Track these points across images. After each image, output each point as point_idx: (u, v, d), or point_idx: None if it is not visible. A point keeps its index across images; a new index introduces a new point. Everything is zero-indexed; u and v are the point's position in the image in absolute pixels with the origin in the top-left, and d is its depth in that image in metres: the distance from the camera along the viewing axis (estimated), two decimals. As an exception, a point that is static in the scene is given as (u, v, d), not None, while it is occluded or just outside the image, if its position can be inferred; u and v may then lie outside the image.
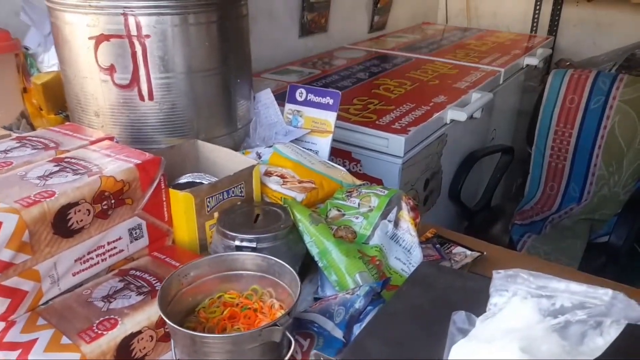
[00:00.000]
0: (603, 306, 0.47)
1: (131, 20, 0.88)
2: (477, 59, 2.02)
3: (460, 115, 1.52)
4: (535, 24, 2.63)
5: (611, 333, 0.48)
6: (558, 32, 2.59)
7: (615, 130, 1.79)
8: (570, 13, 2.55)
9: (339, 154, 1.46)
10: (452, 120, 1.55)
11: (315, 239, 0.77)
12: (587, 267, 1.64)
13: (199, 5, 0.92)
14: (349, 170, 1.46)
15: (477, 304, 0.55)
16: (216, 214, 0.81)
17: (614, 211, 1.74)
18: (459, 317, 0.54)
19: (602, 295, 0.48)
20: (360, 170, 1.45)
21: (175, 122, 0.96)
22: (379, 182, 1.42)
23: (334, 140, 1.42)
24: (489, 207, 1.99)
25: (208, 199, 0.80)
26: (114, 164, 0.74)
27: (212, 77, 0.98)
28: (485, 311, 0.54)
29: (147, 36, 0.89)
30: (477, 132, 1.89)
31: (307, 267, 0.83)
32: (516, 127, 2.30)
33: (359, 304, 0.67)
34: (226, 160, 0.93)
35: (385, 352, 0.52)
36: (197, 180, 0.88)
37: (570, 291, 0.49)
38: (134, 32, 0.89)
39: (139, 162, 0.75)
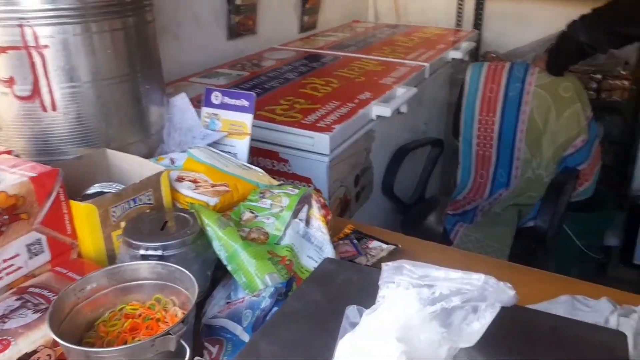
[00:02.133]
0: (476, 291, 0.50)
1: (27, 31, 0.85)
2: (403, 55, 2.06)
3: (385, 111, 1.55)
4: (460, 19, 2.72)
5: (487, 317, 0.50)
6: (483, 25, 2.68)
7: (534, 114, 1.87)
8: (494, 7, 2.65)
9: (266, 154, 1.45)
10: (377, 116, 1.57)
11: (223, 243, 0.77)
12: (518, 252, 1.71)
13: (100, 13, 0.90)
14: (277, 170, 1.47)
15: (371, 297, 0.56)
16: (123, 224, 0.79)
17: (539, 194, 1.82)
18: (351, 311, 0.55)
19: (475, 280, 0.50)
20: (289, 170, 1.46)
21: (82, 132, 0.94)
22: (307, 181, 1.43)
23: (260, 141, 1.44)
24: (422, 200, 2.04)
25: (113, 209, 0.78)
26: (6, 179, 0.71)
27: (119, 85, 0.96)
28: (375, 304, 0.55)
29: (46, 46, 0.87)
30: (408, 126, 1.93)
31: (225, 272, 0.83)
32: (447, 119, 2.37)
33: (264, 305, 0.67)
34: (137, 168, 0.91)
35: (277, 352, 0.52)
36: (106, 190, 0.86)
37: (448, 278, 0.51)
38: (31, 42, 0.86)
39: (33, 175, 0.72)
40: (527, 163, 1.94)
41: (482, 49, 2.66)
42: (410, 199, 2.02)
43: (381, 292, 0.54)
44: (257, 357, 0.52)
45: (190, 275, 0.64)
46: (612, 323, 0.78)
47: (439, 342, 0.49)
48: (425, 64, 1.94)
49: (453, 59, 2.19)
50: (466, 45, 2.30)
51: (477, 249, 1.74)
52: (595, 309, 0.83)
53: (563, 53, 1.74)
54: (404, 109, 1.68)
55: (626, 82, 2.21)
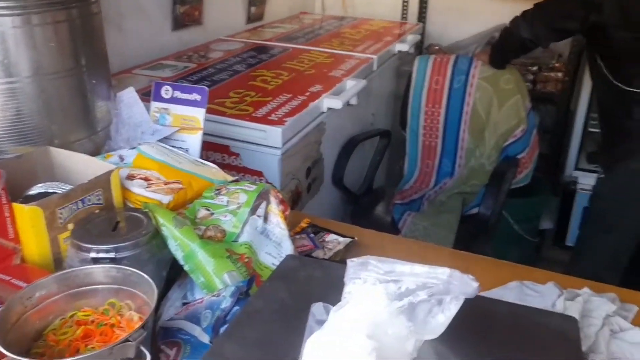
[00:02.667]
0: (442, 285, 0.51)
1: (-40, 22, 0.79)
2: (351, 47, 2.07)
3: (336, 103, 1.56)
4: (405, 12, 2.76)
5: (451, 309, 0.52)
6: (427, 18, 2.73)
7: (477, 105, 1.94)
8: (437, 0, 2.71)
9: (217, 148, 1.42)
10: (328, 109, 1.57)
11: (180, 243, 0.75)
12: (462, 239, 1.77)
13: (43, 4, 0.84)
14: (228, 164, 1.44)
15: (336, 293, 0.56)
16: (71, 226, 0.75)
17: (482, 182, 1.89)
18: (317, 308, 0.55)
19: (440, 274, 0.51)
20: (240, 163, 1.43)
21: (22, 129, 0.88)
22: (259, 174, 1.41)
23: (211, 134, 1.40)
24: (371, 190, 2.06)
25: (60, 211, 0.74)
26: (-61, 181, 0.66)
27: (63, 80, 0.90)
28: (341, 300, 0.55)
29: (-19, 39, 0.81)
30: (357, 118, 1.94)
31: (179, 272, 0.80)
32: (394, 110, 2.40)
33: (225, 305, 0.66)
34: (83, 166, 0.87)
35: (243, 353, 0.51)
36: (51, 190, 0.81)
37: (414, 273, 0.52)
38: (-36, 34, 0.80)
39: (-30, 177, 0.67)
40: (470, 152, 2.01)
41: (426, 42, 2.72)
42: (359, 189, 2.04)
43: (347, 289, 0.54)
44: (222, 359, 0.51)
45: (148, 278, 0.62)
46: (559, 307, 0.82)
47: (406, 336, 0.50)
48: (373, 56, 1.96)
49: (399, 51, 2.22)
50: (411, 38, 2.34)
51: (424, 237, 1.79)
52: (542, 293, 0.88)
53: (506, 48, 1.81)
54: (353, 101, 1.70)
55: (560, 74, 2.33)
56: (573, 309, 0.78)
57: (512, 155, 1.93)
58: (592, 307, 0.81)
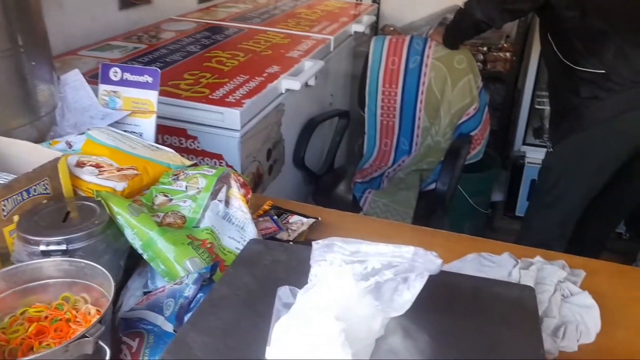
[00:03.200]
0: (407, 263, 0.50)
1: None
2: (308, 28, 2.04)
3: (294, 84, 1.53)
4: (360, -9, 2.74)
5: (417, 286, 0.52)
6: (381, -1, 2.72)
7: (432, 85, 1.96)
8: (392, -19, 2.70)
9: (173, 132, 1.38)
10: (287, 90, 1.55)
11: (137, 231, 0.71)
12: (421, 214, 1.80)
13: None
14: (186, 148, 1.40)
15: (302, 276, 0.55)
16: (16, 218, 0.70)
17: (438, 159, 1.93)
18: (283, 292, 0.54)
19: (405, 253, 0.51)
20: (198, 147, 1.39)
21: (-45, 116, 0.82)
22: (219, 157, 1.38)
23: (166, 118, 1.35)
24: (332, 170, 2.06)
25: (3, 202, 0.69)
26: None
27: (-2, 61, 0.84)
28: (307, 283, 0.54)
29: None
30: (315, 99, 1.92)
31: (138, 260, 0.77)
32: (352, 91, 2.39)
33: (188, 293, 0.64)
34: (27, 154, 0.81)
35: (209, 342, 0.50)
36: (-7, 181, 0.76)
37: (379, 253, 0.51)
38: None
39: None
40: (426, 131, 2.03)
41: (382, 23, 2.71)
42: (320, 169, 2.03)
43: (313, 271, 0.53)
44: (188, 349, 0.49)
45: (103, 270, 0.59)
46: (515, 276, 0.85)
47: (373, 315, 0.50)
48: (330, 37, 1.94)
49: (355, 32, 2.20)
50: (367, 18, 2.33)
51: (384, 213, 1.81)
52: (499, 264, 0.90)
53: (460, 29, 1.82)
54: (312, 82, 1.67)
55: (508, 54, 2.39)
56: (528, 278, 0.81)
57: (465, 132, 1.97)
58: (545, 274, 0.84)
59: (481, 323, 0.55)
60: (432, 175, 1.95)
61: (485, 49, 2.42)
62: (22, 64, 0.86)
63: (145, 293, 0.73)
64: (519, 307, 0.58)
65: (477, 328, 0.55)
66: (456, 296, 0.60)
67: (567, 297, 0.82)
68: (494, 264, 0.90)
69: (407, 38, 1.97)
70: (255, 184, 1.50)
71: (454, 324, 0.55)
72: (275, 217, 0.96)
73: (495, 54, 2.41)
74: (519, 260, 0.88)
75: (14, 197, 0.70)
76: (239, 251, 0.78)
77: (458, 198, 2.09)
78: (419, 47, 1.95)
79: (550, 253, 0.91)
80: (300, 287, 0.53)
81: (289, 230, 0.94)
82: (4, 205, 0.69)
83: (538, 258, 0.89)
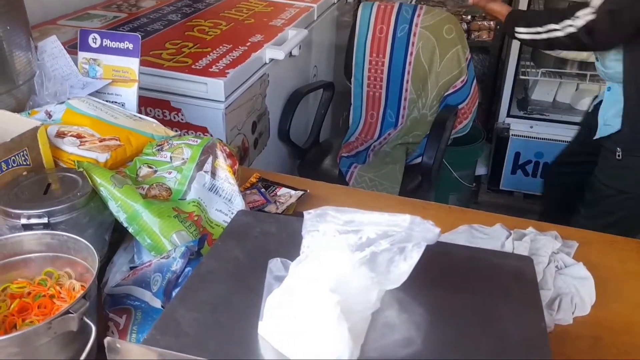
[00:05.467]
0: (403, 232, 0.49)
1: None
2: (291, -5, 1.98)
3: (278, 54, 1.49)
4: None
5: (413, 256, 0.51)
6: (367, -34, 2.66)
7: (420, 55, 1.92)
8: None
9: (157, 104, 1.34)
10: (271, 59, 1.51)
11: (121, 203, 0.69)
12: (406, 188, 1.80)
13: None
14: (170, 120, 1.36)
15: (293, 247, 0.54)
16: (-6, 191, 0.68)
17: (424, 132, 1.91)
18: (274, 264, 0.53)
19: (401, 222, 0.49)
20: (182, 119, 1.36)
21: None
22: (203, 130, 1.35)
23: (149, 89, 1.31)
24: (318, 143, 2.04)
25: (-20, 174, 0.66)
26: None
27: (-30, 25, 0.80)
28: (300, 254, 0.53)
29: None
30: (299, 70, 1.89)
31: (124, 234, 0.75)
32: (335, 62, 2.35)
33: (175, 267, 0.62)
34: (4, 124, 0.78)
35: (199, 318, 0.48)
36: (-32, 153, 0.73)
37: (374, 222, 0.50)
38: None
39: None
40: (413, 103, 2.01)
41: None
42: (305, 143, 2.01)
43: (305, 242, 0.52)
44: (177, 325, 0.48)
45: (87, 243, 0.57)
46: (508, 247, 0.84)
47: (369, 287, 0.49)
48: (313, 5, 1.89)
49: (338, 0, 2.15)
50: (351, -15, 2.28)
51: (370, 188, 1.79)
52: (491, 235, 0.89)
53: (548, 37, 1.37)
54: (295, 52, 1.64)
55: (492, 23, 2.34)
56: (522, 249, 0.80)
57: (452, 104, 1.95)
58: (539, 245, 0.84)
59: (479, 295, 0.54)
60: (417, 148, 1.94)
61: (469, 17, 2.38)
62: (-5, 29, 0.82)
63: (131, 268, 0.71)
64: (517, 278, 0.57)
65: (475, 300, 0.54)
66: (453, 268, 0.59)
67: (562, 268, 0.82)
68: (486, 235, 0.89)
69: (396, 5, 1.93)
70: (241, 158, 1.48)
71: (451, 296, 0.54)
72: (263, 189, 0.95)
73: (479, 22, 2.37)
74: (511, 232, 0.88)
75: (-9, 168, 0.67)
76: (226, 224, 0.77)
77: (443, 172, 2.08)
78: (408, 15, 1.91)
79: (542, 224, 0.90)
80: (292, 260, 0.52)
81: (277, 203, 0.92)
82: (-19, 178, 0.66)
83: (531, 229, 0.88)
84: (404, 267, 0.50)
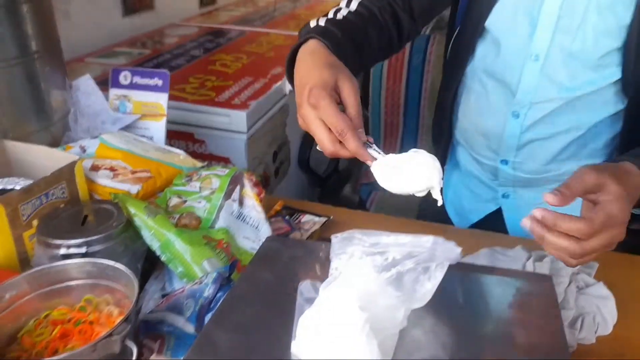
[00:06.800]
0: (426, 252, 0.51)
1: None
2: (309, 28, 2.04)
3: (299, 85, 1.54)
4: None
5: (437, 276, 0.52)
6: None
7: (436, 83, 1.96)
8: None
9: (181, 136, 1.39)
10: (290, 91, 1.55)
11: (154, 232, 0.72)
12: (424, 212, 1.80)
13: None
14: (193, 152, 1.41)
15: (322, 271, 0.56)
16: (35, 222, 0.71)
17: (442, 157, 1.93)
18: (304, 287, 0.55)
19: (424, 242, 0.51)
20: (205, 150, 1.41)
21: (-29, 123, 0.83)
22: (226, 160, 1.39)
23: (173, 122, 1.36)
24: (337, 171, 2.07)
25: (22, 207, 0.70)
26: None
27: (12, 68, 0.86)
28: (328, 277, 0.55)
29: None
30: (319, 99, 1.93)
31: (154, 263, 0.78)
32: (355, 91, 2.41)
33: (208, 292, 0.64)
34: (43, 159, 0.82)
35: (234, 339, 0.50)
36: (10, 187, 0.77)
37: (399, 243, 0.52)
38: None
39: None
40: (430, 128, 2.03)
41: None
42: (325, 171, 2.04)
43: (334, 264, 0.54)
44: (214, 346, 0.50)
45: (126, 270, 0.60)
46: (529, 268, 0.85)
47: (396, 305, 0.50)
48: (332, 36, 1.95)
49: (356, 31, 2.21)
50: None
51: (390, 215, 1.80)
52: (512, 257, 0.90)
53: None
54: (315, 82, 1.68)
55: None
56: (542, 269, 0.81)
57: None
58: (559, 266, 0.84)
59: (500, 313, 0.55)
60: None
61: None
62: (35, 70, 0.88)
63: (163, 296, 0.74)
64: (538, 297, 0.58)
65: (497, 319, 0.55)
66: (474, 287, 0.61)
67: (582, 288, 0.82)
68: (507, 257, 0.90)
69: (411, 34, 1.98)
70: (262, 187, 1.51)
71: (473, 315, 0.56)
72: (287, 217, 0.97)
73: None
74: (532, 253, 0.88)
75: (33, 201, 0.71)
76: (254, 251, 0.79)
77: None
78: (422, 44, 1.95)
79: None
80: (321, 282, 0.54)
81: (302, 230, 0.94)
82: (24, 210, 0.70)
83: (550, 250, 0.89)
84: (429, 286, 0.51)
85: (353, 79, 0.70)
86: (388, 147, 2.11)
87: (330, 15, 0.87)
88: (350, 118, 0.66)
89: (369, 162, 0.66)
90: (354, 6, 0.89)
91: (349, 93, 0.68)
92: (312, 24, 0.85)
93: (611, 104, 0.89)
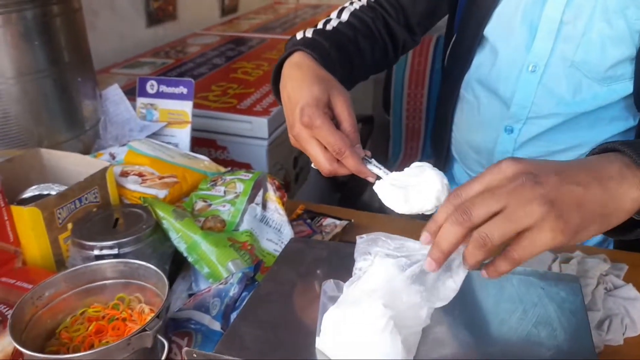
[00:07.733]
0: (449, 252, 0.52)
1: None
2: (329, 35, 2.07)
3: (319, 91, 1.56)
4: None
5: (460, 274, 0.53)
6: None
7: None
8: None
9: (203, 143, 1.42)
10: (311, 98, 1.58)
11: (181, 235, 0.75)
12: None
13: (22, 2, 0.83)
14: (215, 158, 1.44)
15: (345, 271, 0.58)
16: (70, 225, 0.75)
17: (464, 163, 1.92)
18: (328, 286, 0.56)
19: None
20: (227, 157, 1.44)
21: (9, 132, 0.87)
22: (247, 166, 1.42)
23: (196, 130, 1.40)
24: (357, 176, 2.08)
25: (58, 211, 0.73)
26: None
27: (47, 79, 0.90)
28: (352, 276, 0.56)
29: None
30: (338, 105, 1.95)
31: (180, 265, 0.81)
32: (374, 95, 2.42)
33: (233, 292, 0.67)
34: (76, 165, 0.86)
35: (260, 335, 0.52)
36: (45, 192, 0.80)
37: (424, 248, 0.53)
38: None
39: (-34, 181, 0.66)
40: (452, 133, 2.04)
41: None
42: (344, 176, 2.05)
43: (358, 265, 0.56)
44: (240, 341, 0.52)
45: (156, 269, 0.62)
46: (555, 270, 0.85)
47: (419, 304, 0.52)
48: (351, 42, 1.97)
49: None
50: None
51: (409, 218, 1.81)
52: (538, 259, 0.90)
53: None
54: (335, 88, 1.70)
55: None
56: (569, 271, 0.81)
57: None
58: (587, 267, 0.84)
59: (526, 314, 0.56)
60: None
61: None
62: (68, 80, 0.91)
63: (190, 295, 0.76)
64: (565, 297, 0.58)
65: (522, 319, 0.56)
66: (498, 287, 0.62)
67: (610, 290, 0.81)
68: (532, 258, 0.90)
69: (434, 38, 1.98)
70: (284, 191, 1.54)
71: (498, 315, 0.56)
72: (309, 220, 0.99)
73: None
74: (558, 255, 0.88)
75: (68, 205, 0.74)
76: (277, 253, 0.81)
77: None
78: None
79: (590, 248, 0.90)
80: (344, 282, 0.56)
81: (323, 233, 0.96)
82: (59, 214, 0.73)
83: (578, 252, 0.88)
84: (452, 284, 0.53)
85: (345, 93, 0.66)
86: (409, 152, 2.12)
87: (320, 26, 0.82)
88: (346, 134, 0.63)
89: (370, 179, 0.63)
90: (345, 17, 0.85)
91: (343, 108, 0.64)
92: (299, 35, 0.80)
93: (621, 120, 0.81)
